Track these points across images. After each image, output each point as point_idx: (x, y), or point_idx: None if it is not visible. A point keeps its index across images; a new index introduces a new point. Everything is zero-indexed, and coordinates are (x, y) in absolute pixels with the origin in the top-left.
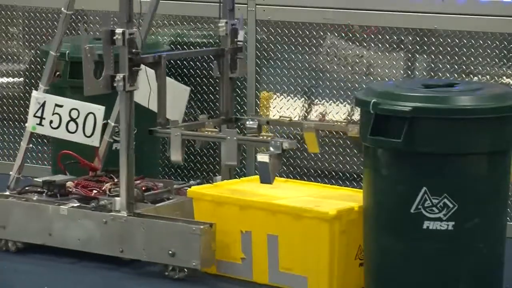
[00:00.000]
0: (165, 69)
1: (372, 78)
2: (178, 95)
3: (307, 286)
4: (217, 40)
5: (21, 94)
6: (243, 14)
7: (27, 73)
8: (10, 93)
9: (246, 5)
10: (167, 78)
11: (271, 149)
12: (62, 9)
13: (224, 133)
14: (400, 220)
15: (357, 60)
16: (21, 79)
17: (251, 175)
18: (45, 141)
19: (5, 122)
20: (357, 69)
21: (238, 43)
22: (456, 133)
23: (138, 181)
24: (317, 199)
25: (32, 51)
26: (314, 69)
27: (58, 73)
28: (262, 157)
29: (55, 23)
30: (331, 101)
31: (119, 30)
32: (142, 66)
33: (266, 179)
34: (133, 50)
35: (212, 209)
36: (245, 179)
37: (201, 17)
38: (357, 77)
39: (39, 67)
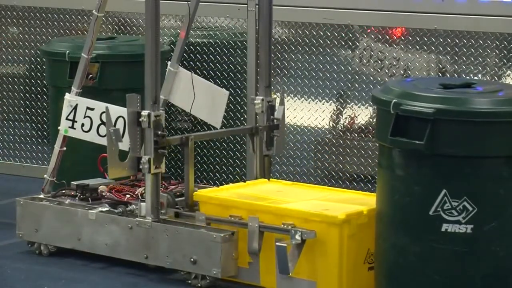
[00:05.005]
0: (193, 151)
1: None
2: (217, 99)
3: None
4: (217, 41)
5: (21, 94)
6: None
7: (27, 73)
8: (10, 93)
9: (246, 5)
10: (206, 81)
11: (291, 238)
12: (94, 11)
13: (248, 220)
14: (418, 221)
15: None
16: (21, 79)
17: (252, 178)
18: (45, 141)
19: (5, 122)
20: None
21: (275, 120)
22: (478, 135)
23: (173, 186)
24: (325, 203)
25: (32, 51)
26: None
27: (91, 75)
28: (281, 247)
29: (55, 23)
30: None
31: (144, 112)
32: (186, 72)
33: (284, 269)
34: (159, 132)
35: (219, 213)
36: (250, 182)
37: (201, 17)
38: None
39: (39, 67)
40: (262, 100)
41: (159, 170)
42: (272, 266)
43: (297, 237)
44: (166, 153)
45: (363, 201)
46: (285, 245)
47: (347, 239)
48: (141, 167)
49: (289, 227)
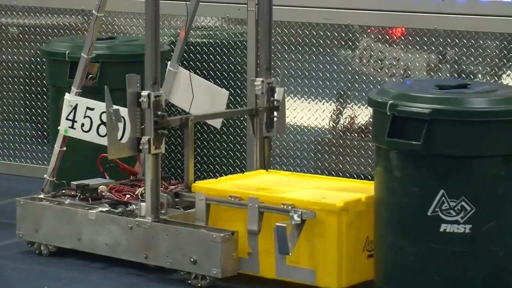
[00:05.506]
0: (193, 132)
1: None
2: (216, 99)
3: (315, 279)
4: (217, 41)
5: (21, 94)
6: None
7: (27, 73)
8: (10, 93)
9: (246, 5)
10: (206, 81)
11: (291, 218)
12: (93, 11)
13: (248, 200)
14: (417, 222)
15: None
16: (21, 79)
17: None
18: (45, 141)
19: (5, 122)
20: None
21: (275, 102)
22: (475, 135)
23: (173, 186)
24: (323, 191)
25: (32, 51)
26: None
27: (91, 75)
28: (280, 227)
29: (55, 23)
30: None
31: (144, 93)
32: (186, 72)
33: (283, 249)
34: (159, 113)
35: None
36: (249, 173)
37: (201, 17)
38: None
39: (39, 67)
40: (262, 81)
41: (159, 151)
42: (271, 256)
43: (297, 217)
44: (166, 134)
45: (362, 189)
46: (284, 225)
47: (346, 226)
48: (140, 147)
49: (289, 207)
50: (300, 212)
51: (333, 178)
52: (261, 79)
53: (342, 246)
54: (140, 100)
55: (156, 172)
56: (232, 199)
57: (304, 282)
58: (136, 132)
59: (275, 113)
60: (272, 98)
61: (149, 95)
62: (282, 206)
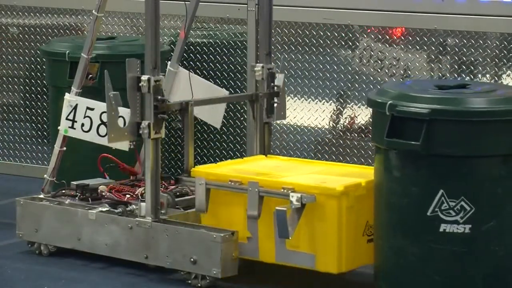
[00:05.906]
0: (192, 117)
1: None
2: None
3: (315, 263)
4: (217, 41)
5: (21, 94)
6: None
7: (27, 73)
8: (10, 93)
9: (246, 5)
10: (206, 81)
11: (291, 203)
12: (94, 11)
13: (248, 185)
14: (416, 222)
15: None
16: (21, 79)
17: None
18: (45, 141)
19: (5, 122)
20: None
21: (275, 87)
22: (474, 135)
23: (173, 186)
24: (323, 176)
25: (32, 51)
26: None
27: (90, 75)
28: (281, 211)
29: (55, 23)
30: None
31: (144, 77)
32: (186, 72)
33: (283, 233)
34: (159, 97)
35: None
36: (248, 158)
37: (201, 17)
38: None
39: (39, 67)
40: (263, 67)
41: (159, 136)
42: (271, 241)
43: (296, 201)
44: (166, 118)
45: (361, 174)
46: (284, 209)
47: (346, 211)
48: (140, 132)
49: (289, 191)
50: (300, 196)
51: (333, 164)
52: (261, 64)
53: (342, 230)
54: (140, 84)
55: (156, 159)
56: (232, 183)
57: (304, 266)
58: (136, 116)
59: (275, 99)
60: (272, 84)
61: (149, 80)
62: (282, 190)
